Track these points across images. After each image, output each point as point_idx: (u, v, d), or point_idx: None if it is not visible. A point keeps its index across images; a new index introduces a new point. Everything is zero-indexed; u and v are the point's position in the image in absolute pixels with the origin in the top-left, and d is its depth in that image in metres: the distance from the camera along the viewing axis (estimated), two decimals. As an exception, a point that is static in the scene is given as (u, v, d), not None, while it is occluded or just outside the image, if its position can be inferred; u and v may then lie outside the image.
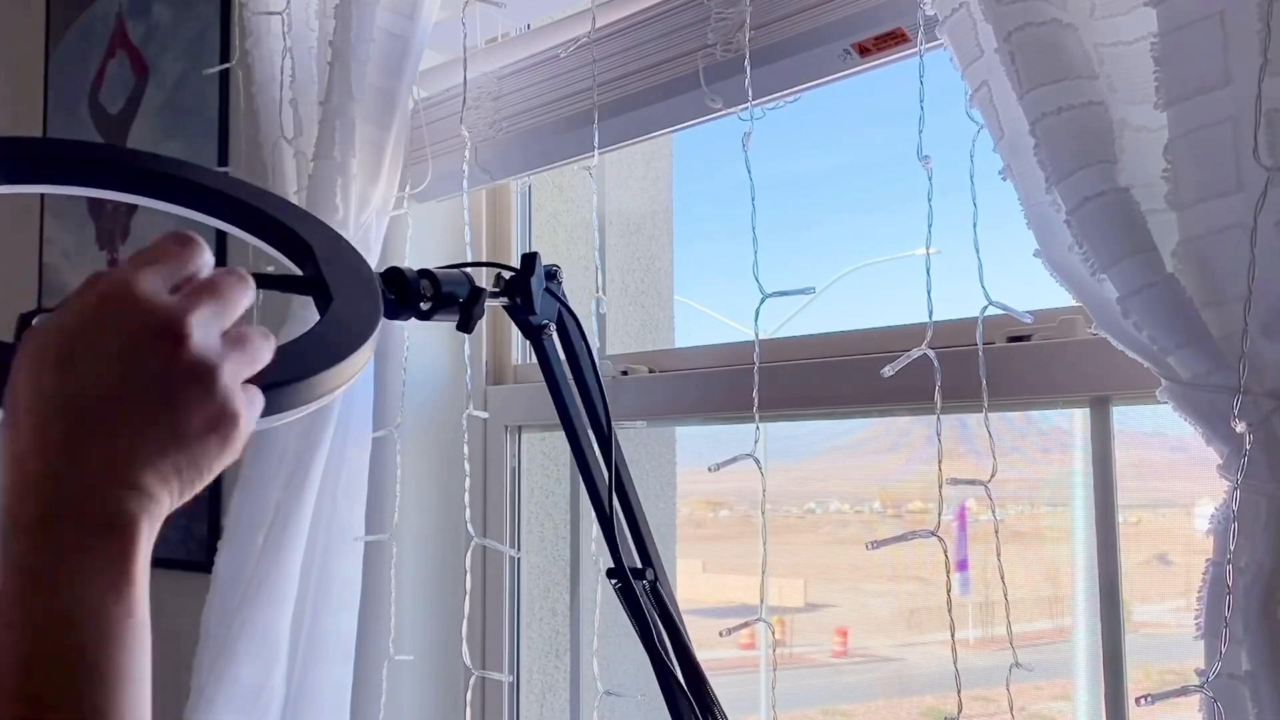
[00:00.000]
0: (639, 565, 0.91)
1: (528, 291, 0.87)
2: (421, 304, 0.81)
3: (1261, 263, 0.62)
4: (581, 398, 0.94)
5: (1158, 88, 0.67)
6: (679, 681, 0.87)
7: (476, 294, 0.83)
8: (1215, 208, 0.65)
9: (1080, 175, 0.69)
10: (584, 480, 0.91)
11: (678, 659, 0.88)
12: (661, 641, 0.88)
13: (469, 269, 0.86)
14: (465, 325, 0.84)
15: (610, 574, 0.90)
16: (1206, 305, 0.66)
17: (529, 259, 0.88)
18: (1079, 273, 0.72)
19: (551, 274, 0.90)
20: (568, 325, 0.92)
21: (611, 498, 0.91)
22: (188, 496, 0.53)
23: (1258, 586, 0.63)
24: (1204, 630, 0.66)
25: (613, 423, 1.09)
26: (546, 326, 0.89)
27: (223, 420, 0.52)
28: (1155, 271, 0.67)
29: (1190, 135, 0.65)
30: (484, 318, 1.47)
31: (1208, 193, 0.65)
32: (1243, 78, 0.63)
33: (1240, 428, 0.64)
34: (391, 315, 0.79)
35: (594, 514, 0.93)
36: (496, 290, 0.88)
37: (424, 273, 0.82)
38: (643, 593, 0.89)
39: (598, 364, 1.19)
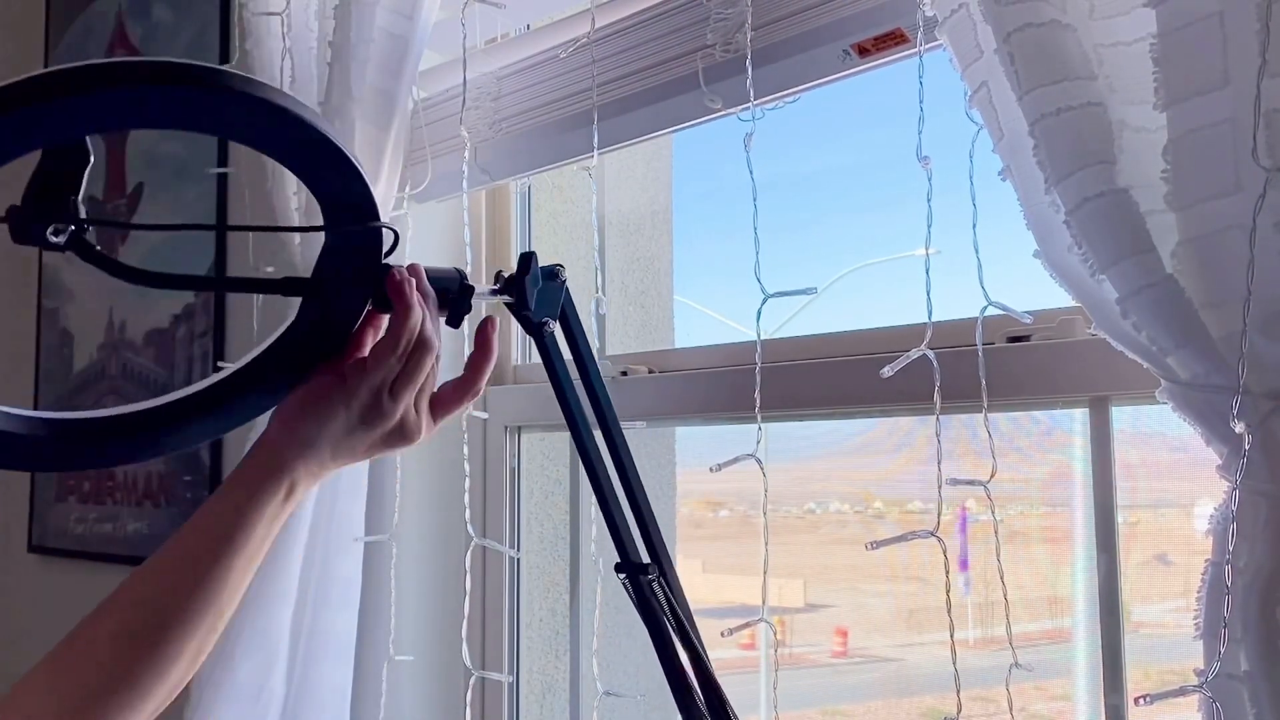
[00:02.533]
0: (646, 561, 0.92)
1: (522, 289, 0.89)
2: None
3: (1260, 263, 0.62)
4: (595, 394, 0.95)
5: (1157, 88, 0.67)
6: (686, 676, 0.87)
7: (466, 290, 0.84)
8: (1214, 208, 0.65)
9: (1079, 176, 0.69)
10: (588, 475, 0.92)
11: (686, 654, 0.88)
12: (670, 636, 0.88)
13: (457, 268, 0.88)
14: (454, 321, 0.85)
15: (618, 569, 0.91)
16: (1206, 306, 0.66)
17: (525, 258, 0.90)
18: (1078, 273, 0.72)
19: (553, 273, 0.91)
20: (571, 323, 0.93)
21: (627, 491, 0.92)
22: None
23: (1256, 587, 0.63)
24: (1203, 630, 0.66)
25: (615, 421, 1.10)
26: (546, 323, 0.91)
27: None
28: (1154, 272, 0.67)
29: (1189, 136, 0.65)
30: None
31: (1207, 193, 0.65)
32: (1241, 79, 0.63)
33: (1239, 428, 0.64)
34: (380, 308, 0.81)
35: (596, 512, 0.93)
36: (495, 288, 0.90)
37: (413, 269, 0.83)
38: (648, 587, 0.89)
39: (597, 362, 1.20)
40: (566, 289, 0.92)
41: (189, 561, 0.78)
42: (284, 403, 0.81)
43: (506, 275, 0.90)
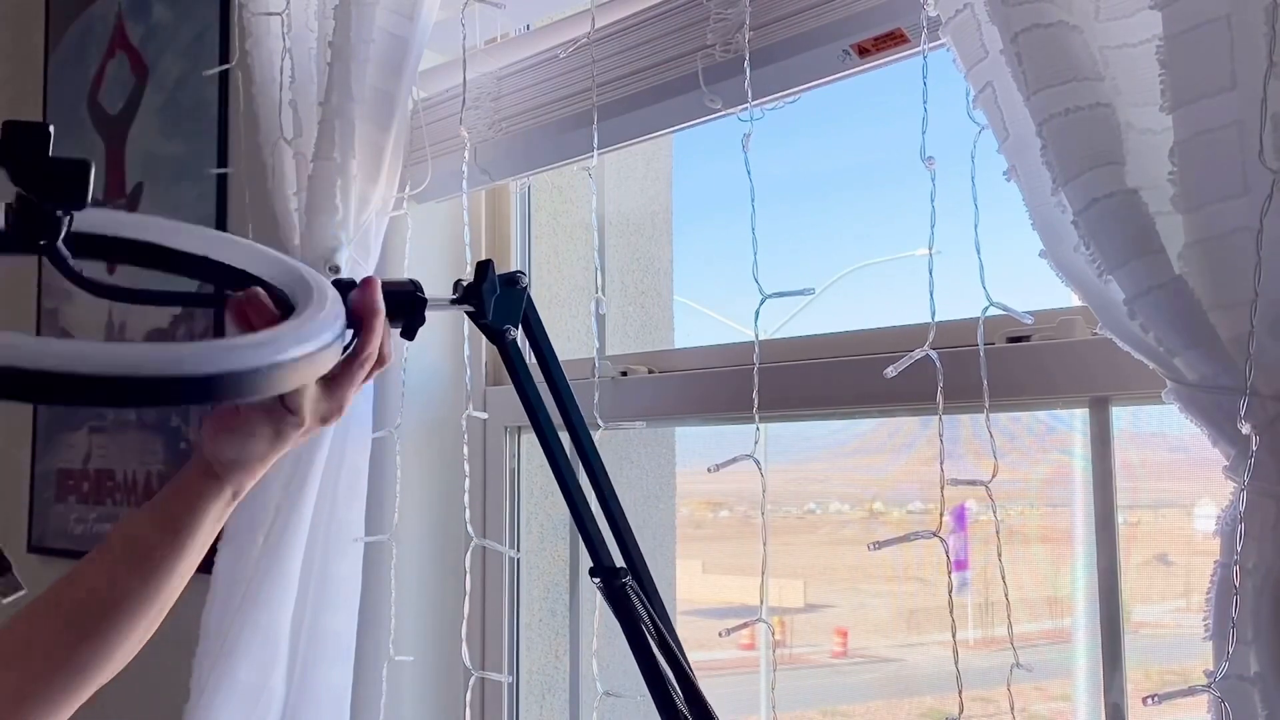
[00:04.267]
0: (622, 565, 0.92)
1: (480, 298, 0.89)
2: None
3: (1268, 265, 0.62)
4: (561, 398, 0.95)
5: (1163, 90, 0.67)
6: (665, 679, 0.88)
7: (419, 302, 0.84)
8: (1222, 210, 0.64)
9: (1089, 177, 0.69)
10: (557, 480, 0.92)
11: (663, 656, 0.89)
12: (646, 639, 0.89)
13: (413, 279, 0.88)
14: (407, 333, 0.85)
15: (592, 573, 0.92)
16: (1214, 307, 0.66)
17: (482, 266, 0.90)
18: (1085, 273, 0.72)
19: (513, 280, 0.91)
20: (534, 328, 0.94)
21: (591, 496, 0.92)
22: None
23: (1267, 589, 0.63)
24: (1212, 631, 0.66)
25: (601, 424, 1.10)
26: (508, 331, 0.91)
27: None
28: (1163, 273, 0.67)
29: (1196, 138, 0.65)
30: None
31: (1214, 195, 0.65)
32: (1248, 81, 0.63)
33: (1246, 429, 0.64)
34: None
35: (598, 512, 0.93)
36: (454, 298, 0.90)
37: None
38: (623, 591, 0.89)
39: (595, 362, 1.20)
40: (528, 295, 0.92)
41: (140, 555, 0.82)
42: (208, 423, 0.84)
43: (466, 284, 0.90)
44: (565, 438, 0.96)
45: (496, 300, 0.90)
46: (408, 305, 0.84)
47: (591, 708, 1.12)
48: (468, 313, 0.91)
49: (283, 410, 0.80)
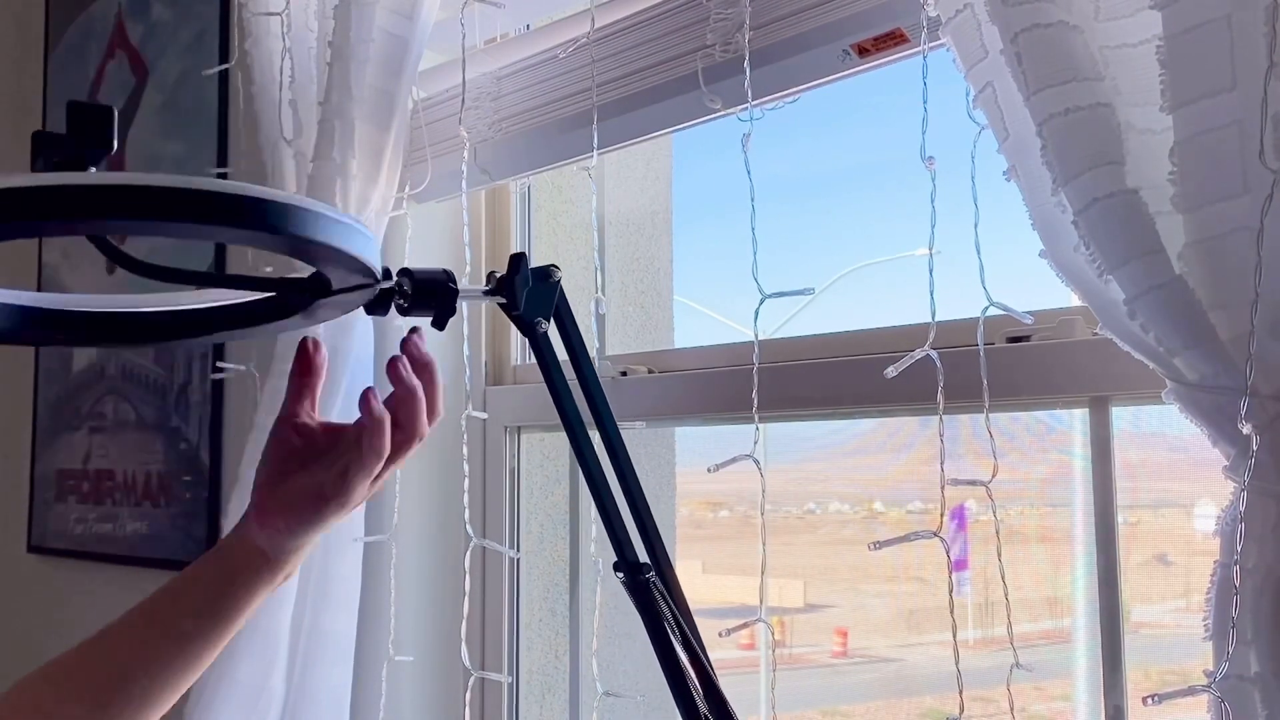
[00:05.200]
0: (646, 560, 0.92)
1: (512, 291, 0.89)
2: (400, 301, 0.83)
3: (1268, 265, 0.62)
4: (590, 392, 0.95)
5: (1163, 90, 0.67)
6: (686, 676, 0.88)
7: (451, 293, 0.85)
8: (1222, 210, 0.64)
9: (1089, 176, 0.69)
10: (584, 474, 0.92)
11: (685, 653, 0.89)
12: (668, 635, 0.89)
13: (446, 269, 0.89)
14: (439, 323, 0.86)
15: (616, 568, 0.92)
16: (1214, 307, 0.66)
17: (515, 259, 0.90)
18: (1085, 273, 0.72)
19: (546, 274, 0.92)
20: (565, 323, 0.94)
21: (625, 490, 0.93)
22: None
23: (1268, 589, 0.63)
24: (1212, 631, 0.66)
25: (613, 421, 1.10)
26: (539, 323, 0.91)
27: None
28: (1163, 273, 0.67)
29: (1196, 138, 0.65)
30: (484, 319, 1.48)
31: (1214, 195, 0.65)
32: (1248, 81, 0.63)
33: (1247, 429, 0.64)
34: (370, 311, 0.81)
35: (595, 512, 0.93)
36: (487, 289, 0.90)
37: (403, 271, 0.83)
38: (647, 586, 0.89)
39: (594, 362, 1.20)
40: (561, 289, 0.92)
41: (182, 642, 0.82)
42: (259, 517, 0.84)
43: (499, 276, 0.90)
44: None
45: (528, 293, 0.90)
46: (440, 295, 0.84)
47: (591, 708, 1.12)
48: (500, 305, 0.91)
49: (333, 493, 0.82)
